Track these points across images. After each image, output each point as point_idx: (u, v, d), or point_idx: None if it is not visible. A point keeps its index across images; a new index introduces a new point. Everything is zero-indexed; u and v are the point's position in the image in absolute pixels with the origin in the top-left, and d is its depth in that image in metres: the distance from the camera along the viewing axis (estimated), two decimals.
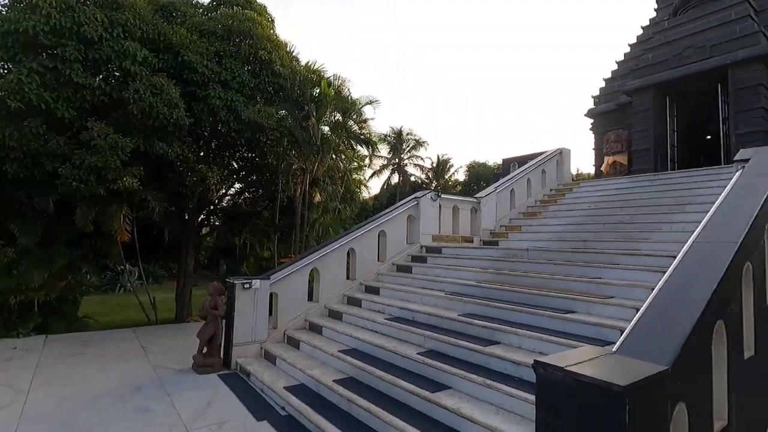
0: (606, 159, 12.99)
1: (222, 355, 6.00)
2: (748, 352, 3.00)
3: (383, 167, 33.93)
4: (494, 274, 6.12)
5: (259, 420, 4.32)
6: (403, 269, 7.50)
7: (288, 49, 11.24)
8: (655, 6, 14.03)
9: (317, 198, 12.36)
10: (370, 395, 4.24)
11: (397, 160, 34.25)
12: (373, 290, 7.04)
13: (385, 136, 33.22)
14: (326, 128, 11.69)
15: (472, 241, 8.84)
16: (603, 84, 14.08)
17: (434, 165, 35.64)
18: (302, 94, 10.89)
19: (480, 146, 70.60)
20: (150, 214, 9.41)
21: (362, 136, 12.66)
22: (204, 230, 13.48)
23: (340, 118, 11.89)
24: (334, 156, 11.77)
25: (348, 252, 7.33)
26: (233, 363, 5.91)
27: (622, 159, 12.63)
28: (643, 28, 13.94)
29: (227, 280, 6.34)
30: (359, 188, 15.17)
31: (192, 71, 8.81)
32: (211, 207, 12.52)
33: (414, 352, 4.67)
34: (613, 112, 13.27)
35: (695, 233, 3.18)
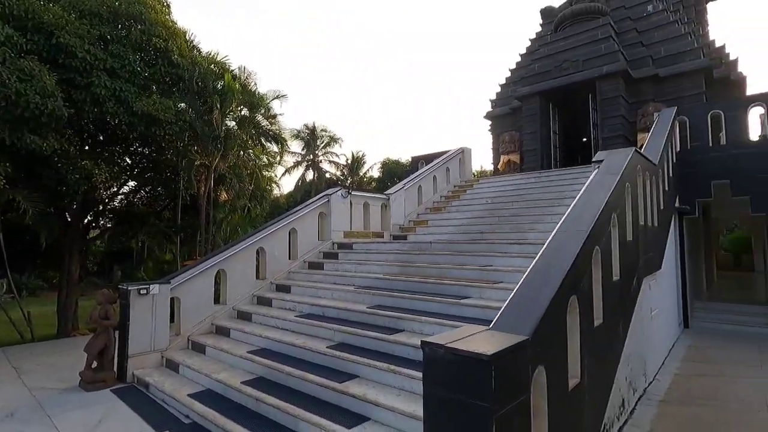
0: (502, 158, 14.29)
1: (116, 369, 5.52)
2: (598, 321, 3.63)
3: (297, 164, 33.35)
4: (401, 267, 6.47)
5: (159, 431, 4.10)
6: (315, 266, 7.55)
7: (188, 38, 10.53)
8: (540, 21, 15.70)
9: (224, 196, 11.80)
10: (280, 392, 4.27)
11: (311, 157, 33.85)
12: (284, 289, 6.99)
13: (298, 132, 32.71)
14: (232, 123, 11.20)
15: (382, 237, 9.18)
16: (499, 89, 15.44)
17: (349, 161, 35.87)
18: (204, 86, 10.30)
19: (394, 144, 72.64)
20: (22, 217, 8.23)
21: (271, 132, 12.35)
22: (92, 233, 12.09)
23: (247, 112, 11.47)
24: (241, 152, 11.33)
25: (258, 251, 7.18)
26: (129, 375, 5.48)
27: (516, 158, 14.01)
28: (531, 40, 15.54)
29: (120, 286, 5.84)
30: (270, 186, 14.77)
31: (70, 56, 7.85)
32: (101, 207, 11.28)
33: (324, 346, 4.79)
34: (507, 115, 14.65)
35: (558, 224, 3.75)
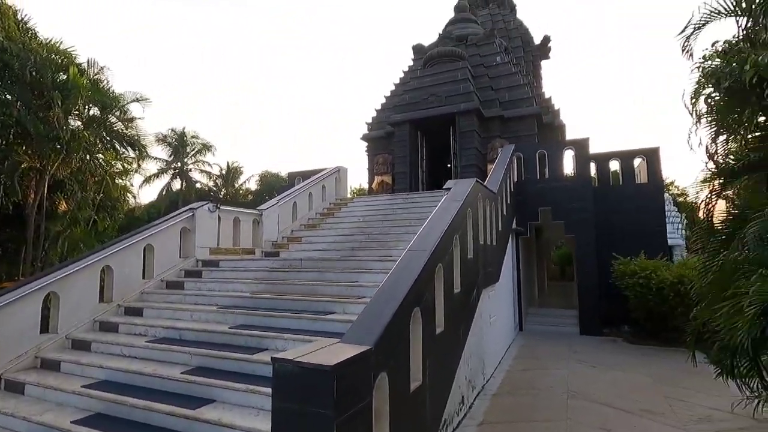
0: (376, 178, 15.16)
1: None
2: (439, 329, 4.17)
3: (162, 171, 30.18)
4: (269, 285, 6.41)
5: None
6: (174, 286, 6.99)
7: (19, 17, 8.95)
8: (412, 56, 17.27)
9: (63, 206, 10.13)
10: (121, 428, 3.87)
11: (179, 165, 30.98)
12: (134, 312, 6.31)
13: (165, 136, 29.75)
14: (78, 123, 9.77)
15: (253, 253, 8.92)
16: (375, 113, 16.42)
17: (223, 172, 33.80)
18: (41, 78, 8.84)
19: (275, 157, 70.77)
20: None
21: (127, 137, 11.08)
22: None
23: (98, 113, 10.14)
24: (87, 156, 9.92)
25: (103, 270, 6.36)
26: None
27: (388, 179, 14.99)
28: (404, 72, 16.96)
29: None
30: (124, 195, 13.13)
31: None
32: None
33: (178, 372, 4.48)
34: (382, 138, 15.62)
35: (410, 243, 4.23)
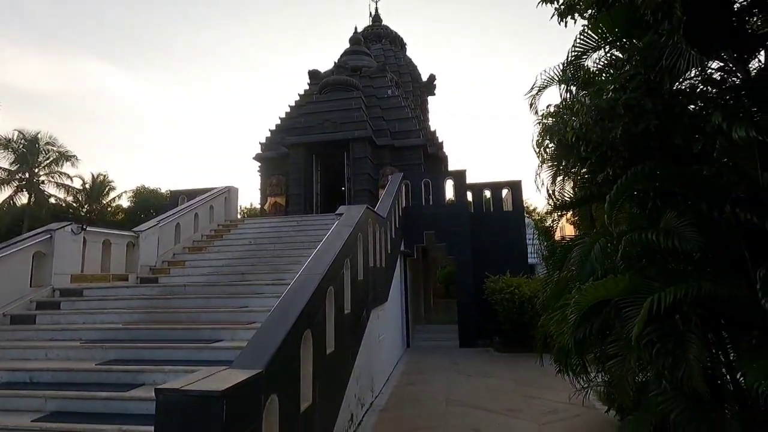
0: (269, 199, 14.88)
1: None
2: (330, 349, 4.36)
3: (2, 182, 25.32)
4: (145, 314, 5.91)
5: None
6: (22, 320, 6.00)
7: None
8: (308, 81, 17.60)
9: None
10: None
11: (27, 175, 26.31)
12: None
13: (8, 140, 25.13)
14: None
15: (127, 279, 8.07)
16: (269, 134, 16.22)
17: (87, 186, 29.60)
18: None
19: (155, 173, 64.17)
20: None
21: None
22: None
23: None
24: None
25: None
26: None
27: (282, 200, 14.83)
28: (300, 95, 17.16)
29: None
30: None
31: None
32: None
33: (28, 420, 3.89)
34: (276, 159, 15.46)
35: (303, 267, 4.39)
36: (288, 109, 16.68)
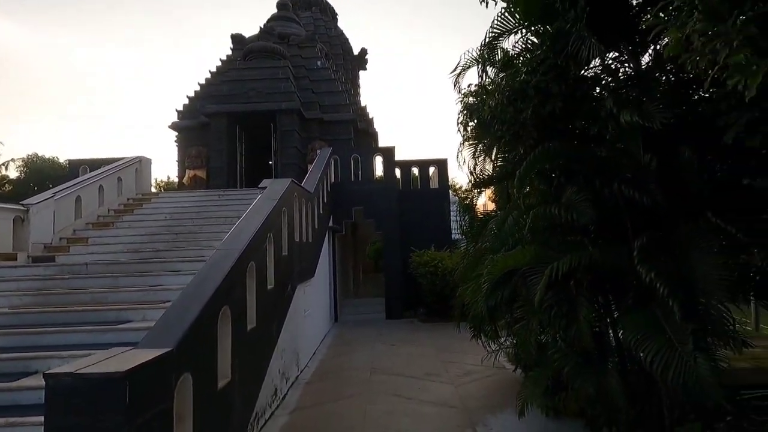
0: (188, 172, 13.88)
1: None
2: (251, 325, 4.26)
3: None
4: (38, 296, 5.31)
5: None
6: None
7: None
8: (231, 45, 16.39)
9: None
10: None
11: None
12: None
13: None
14: None
15: (15, 259, 7.12)
16: (187, 101, 14.97)
17: None
18: None
19: (53, 140, 56.48)
20: None
21: None
22: None
23: None
24: None
25: None
26: None
27: (202, 173, 13.91)
28: (221, 61, 15.95)
29: None
30: None
31: None
32: None
33: None
34: (195, 129, 14.38)
35: (221, 243, 4.18)
36: (209, 75, 15.47)
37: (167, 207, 9.78)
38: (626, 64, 3.97)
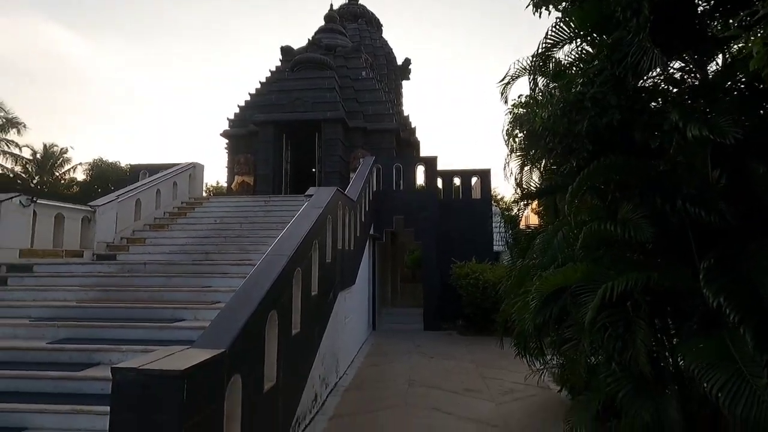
0: (236, 178, 14.47)
1: None
2: (295, 330, 4.35)
3: None
4: (102, 292, 5.69)
5: None
6: None
7: None
8: (280, 57, 17.04)
9: None
10: None
11: None
12: None
13: None
14: None
15: (81, 256, 7.70)
16: (238, 110, 15.68)
17: (38, 156, 27.72)
18: None
19: (115, 146, 60.91)
20: None
21: None
22: None
23: None
24: None
25: None
26: None
27: (250, 180, 14.46)
28: (271, 71, 16.61)
29: None
30: None
31: None
32: None
33: None
34: (244, 137, 15.01)
35: (269, 248, 4.32)
36: (258, 86, 16.13)
37: (217, 211, 10.24)
38: (691, 74, 3.75)
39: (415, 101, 62.42)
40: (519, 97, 4.84)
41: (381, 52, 19.87)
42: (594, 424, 3.82)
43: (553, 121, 3.72)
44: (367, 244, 10.41)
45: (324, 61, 15.29)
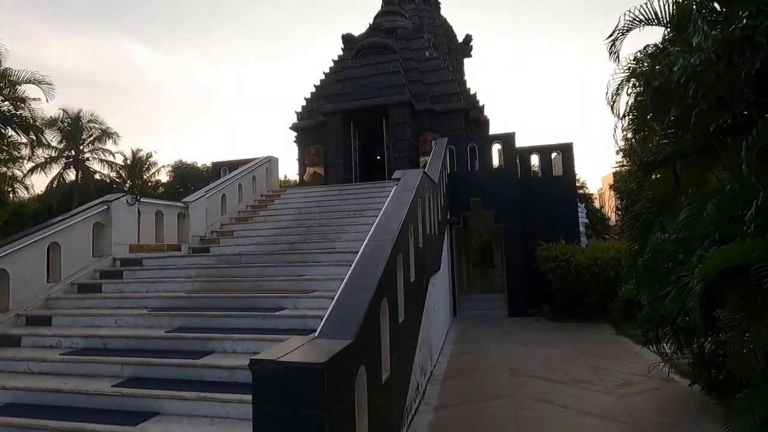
0: (308, 169, 14.72)
1: None
2: (401, 318, 4.16)
3: (52, 160, 26.28)
4: (205, 282, 5.91)
5: None
6: (89, 289, 6.14)
7: None
8: (342, 46, 16.97)
9: None
10: None
11: (73, 153, 27.30)
12: (41, 321, 5.42)
13: (55, 119, 25.77)
14: None
15: (179, 249, 8.16)
16: (305, 103, 15.88)
17: (129, 161, 30.43)
18: None
19: (189, 147, 65.65)
20: None
21: (17, 118, 9.42)
22: None
23: None
24: None
25: None
26: None
27: (321, 170, 14.64)
28: (334, 61, 16.59)
29: None
30: (12, 186, 11.22)
31: None
32: None
33: (108, 386, 3.94)
34: (313, 128, 15.17)
35: (369, 233, 4.14)
36: (323, 77, 16.22)
37: (295, 202, 10.42)
38: None
39: (479, 78, 60.15)
40: (646, 47, 4.18)
41: (441, 30, 19.10)
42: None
43: (703, 67, 3.10)
44: (446, 228, 10.06)
45: (386, 45, 14.96)
